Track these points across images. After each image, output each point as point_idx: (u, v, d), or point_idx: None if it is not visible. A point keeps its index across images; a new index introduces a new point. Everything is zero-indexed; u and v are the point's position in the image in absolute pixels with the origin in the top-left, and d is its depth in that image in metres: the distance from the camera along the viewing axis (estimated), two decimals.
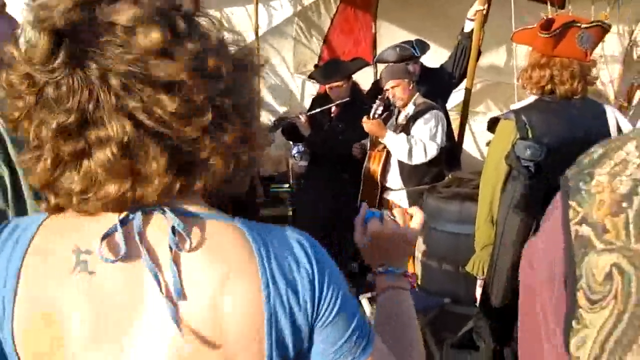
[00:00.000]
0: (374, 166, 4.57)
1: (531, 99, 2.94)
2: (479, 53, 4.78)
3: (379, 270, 1.33)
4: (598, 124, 2.82)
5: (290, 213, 6.53)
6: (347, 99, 4.84)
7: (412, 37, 5.69)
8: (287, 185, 7.24)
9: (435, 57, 5.51)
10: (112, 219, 0.96)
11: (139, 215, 0.96)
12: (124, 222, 0.95)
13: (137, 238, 0.94)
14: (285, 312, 0.97)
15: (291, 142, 6.65)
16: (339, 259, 4.96)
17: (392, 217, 1.36)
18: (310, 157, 5.38)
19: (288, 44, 7.13)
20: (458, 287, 4.02)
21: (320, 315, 1.00)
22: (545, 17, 2.87)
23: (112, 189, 0.92)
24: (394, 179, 4.49)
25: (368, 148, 4.64)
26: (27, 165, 0.96)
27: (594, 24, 2.77)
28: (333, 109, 4.96)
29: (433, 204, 4.12)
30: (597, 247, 0.93)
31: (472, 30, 4.72)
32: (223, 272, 0.95)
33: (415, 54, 4.82)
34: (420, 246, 4.23)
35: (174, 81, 0.90)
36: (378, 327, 1.26)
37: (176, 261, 0.95)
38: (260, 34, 6.51)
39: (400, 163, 4.38)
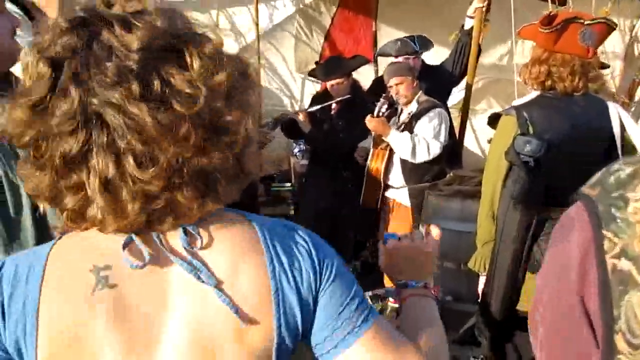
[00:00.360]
0: (377, 164, 4.57)
1: (533, 94, 2.94)
2: (480, 50, 4.77)
3: (399, 282, 1.38)
4: (601, 120, 2.82)
5: (292, 212, 6.53)
6: (348, 95, 4.84)
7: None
8: (288, 184, 7.25)
9: (435, 55, 5.50)
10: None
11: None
12: (137, 231, 1.00)
13: (158, 242, 1.01)
14: (290, 284, 1.05)
15: (292, 141, 6.65)
16: (342, 257, 5.00)
17: (409, 236, 1.43)
18: (311, 155, 5.38)
19: (289, 43, 7.14)
20: (460, 284, 4.03)
21: (322, 282, 1.08)
22: (548, 13, 2.86)
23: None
24: (396, 177, 4.49)
25: (371, 146, 4.63)
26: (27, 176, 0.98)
27: (598, 20, 2.76)
28: (333, 106, 4.95)
29: (434, 202, 4.12)
30: None
31: (472, 28, 4.71)
32: (234, 256, 1.03)
33: (416, 49, 4.81)
34: None
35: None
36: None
37: (196, 256, 1.02)
38: (261, 32, 6.52)
39: (403, 161, 4.38)
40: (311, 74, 5.38)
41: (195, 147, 0.94)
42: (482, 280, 3.08)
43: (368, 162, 4.62)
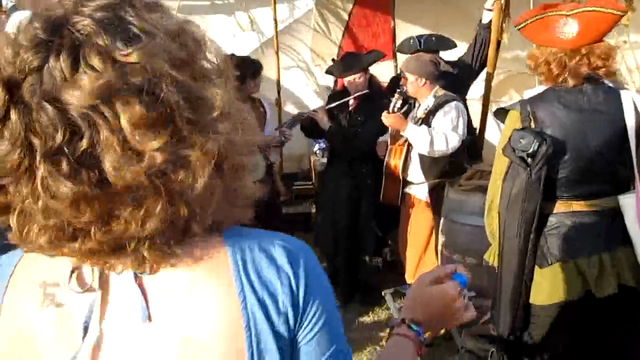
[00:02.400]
0: (395, 160, 4.55)
1: (542, 88, 2.92)
2: (499, 43, 4.72)
3: (411, 325, 1.27)
4: (610, 111, 2.77)
5: (314, 210, 6.54)
6: (365, 91, 4.84)
7: (430, 31, 5.69)
8: (310, 183, 7.26)
9: (457, 51, 5.46)
10: None
11: None
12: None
13: (101, 270, 0.92)
14: (265, 319, 0.91)
15: (312, 140, 6.66)
16: (362, 254, 5.00)
17: (464, 293, 1.31)
18: (330, 151, 5.39)
19: (307, 38, 7.15)
20: (482, 279, 3.99)
21: (304, 324, 0.95)
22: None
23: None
24: (415, 172, 4.47)
25: (389, 143, 4.61)
26: None
27: (580, 10, 2.71)
28: (351, 102, 4.96)
29: (455, 197, 4.09)
30: None
31: (491, 21, 4.67)
32: (195, 280, 0.91)
33: (418, 47, 4.81)
34: (441, 240, 4.20)
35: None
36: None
37: (141, 285, 0.91)
38: (280, 28, 6.53)
39: (421, 157, 4.36)
40: (328, 71, 5.39)
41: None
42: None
43: (386, 158, 4.61)
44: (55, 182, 0.78)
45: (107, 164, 0.79)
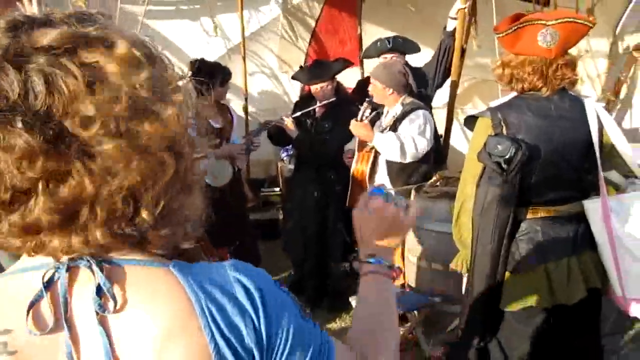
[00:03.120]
0: (362, 167, 4.58)
1: (510, 96, 2.97)
2: (463, 51, 4.79)
3: (368, 260, 1.33)
4: (577, 120, 2.83)
5: (281, 217, 6.53)
6: (332, 99, 4.86)
7: None
8: (277, 189, 7.25)
9: (421, 56, 5.51)
10: (37, 281, 0.87)
11: (63, 274, 0.88)
12: (49, 284, 0.87)
13: (61, 307, 0.87)
14: None
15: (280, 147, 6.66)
16: (329, 260, 5.01)
17: (395, 200, 1.36)
18: (297, 158, 5.39)
19: (274, 44, 7.15)
20: (448, 285, 4.04)
21: (274, 355, 0.96)
22: (512, 16, 2.89)
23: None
24: (382, 179, 4.49)
25: (356, 149, 4.64)
26: None
27: (562, 20, 2.77)
28: (317, 109, 4.98)
29: (421, 204, 4.13)
30: None
31: (455, 29, 4.73)
32: (162, 329, 0.87)
33: (388, 47, 4.84)
34: (409, 246, 4.24)
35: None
36: (355, 311, 1.31)
37: (104, 324, 0.87)
38: (247, 34, 6.52)
39: (389, 163, 4.39)
40: (294, 77, 5.40)
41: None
42: (465, 280, 3.10)
43: (353, 165, 4.63)
44: (9, 134, 0.77)
45: (67, 122, 0.79)
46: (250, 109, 6.65)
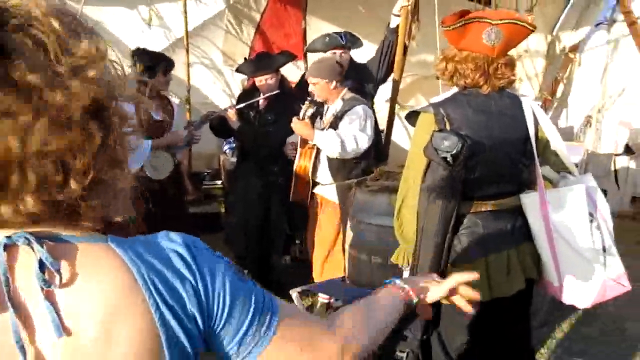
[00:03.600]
0: (305, 162, 4.58)
1: (451, 92, 3.01)
2: (406, 48, 4.84)
3: (404, 284, 1.45)
4: (515, 116, 2.91)
5: (223, 210, 6.49)
6: (276, 91, 4.86)
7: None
8: (219, 182, 7.19)
9: (365, 52, 5.56)
10: None
11: (1, 252, 0.86)
12: None
13: (2, 284, 0.85)
14: (181, 329, 0.93)
15: (222, 139, 6.60)
16: (272, 253, 5.01)
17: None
18: (240, 150, 5.37)
19: (219, 38, 7.08)
20: (388, 278, 4.07)
21: (215, 319, 0.98)
22: (458, 12, 2.94)
23: None
24: (324, 174, 4.51)
25: (298, 145, 4.64)
26: None
27: (506, 21, 2.84)
28: (261, 102, 4.97)
29: (361, 198, 4.15)
30: None
31: (398, 26, 4.78)
32: (108, 304, 0.87)
33: (343, 43, 4.85)
34: (349, 239, 4.26)
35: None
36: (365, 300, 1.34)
37: (50, 299, 0.86)
38: (191, 28, 6.44)
39: (329, 159, 4.41)
40: (239, 70, 5.37)
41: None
42: (405, 274, 3.13)
43: (296, 160, 4.63)
44: None
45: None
46: (193, 101, 6.58)
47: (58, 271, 0.86)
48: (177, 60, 6.36)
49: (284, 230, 5.07)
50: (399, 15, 4.79)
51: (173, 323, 0.92)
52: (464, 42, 2.89)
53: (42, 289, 0.85)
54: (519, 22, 2.88)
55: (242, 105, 4.95)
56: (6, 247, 0.86)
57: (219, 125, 5.11)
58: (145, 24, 6.72)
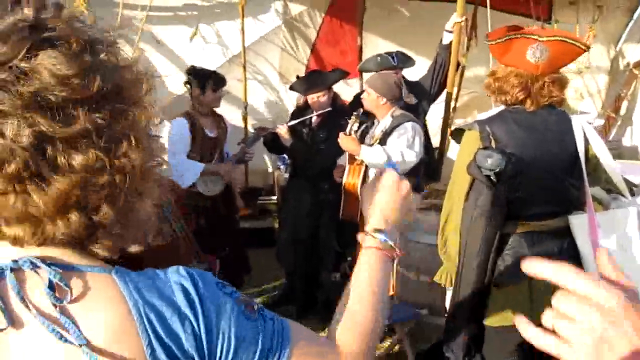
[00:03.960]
0: (354, 179, 4.57)
1: (498, 109, 2.96)
2: (459, 64, 4.79)
3: (375, 234, 1.27)
4: (564, 135, 2.84)
5: (277, 225, 6.53)
6: (328, 109, 4.88)
7: (398, 49, 5.74)
8: (274, 198, 7.25)
9: (420, 69, 5.52)
10: None
11: (10, 275, 0.88)
12: None
13: (20, 302, 0.87)
14: None
15: (277, 155, 6.67)
16: (321, 270, 5.01)
17: (404, 178, 1.35)
18: (292, 167, 5.41)
19: (275, 55, 7.17)
20: (435, 298, 4.03)
21: (217, 356, 0.96)
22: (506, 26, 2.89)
23: None
24: None
25: (346, 162, 4.64)
26: None
27: (554, 38, 2.77)
28: (314, 119, 5.00)
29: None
30: None
31: (451, 42, 4.73)
32: (106, 329, 0.88)
33: (394, 64, 4.83)
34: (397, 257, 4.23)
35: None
36: (354, 280, 1.24)
37: (65, 313, 0.87)
38: (247, 44, 6.55)
39: None
40: (292, 88, 5.42)
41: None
42: (449, 294, 3.09)
43: (344, 177, 4.62)
44: None
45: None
46: (249, 119, 6.67)
47: (68, 286, 0.88)
48: (233, 77, 6.48)
49: (333, 247, 5.06)
50: (451, 32, 4.75)
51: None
52: (507, 57, 2.84)
53: (55, 305, 0.86)
54: (568, 40, 2.80)
55: (294, 122, 4.99)
56: (12, 271, 0.88)
57: (271, 142, 5.17)
58: (204, 42, 6.87)
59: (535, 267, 0.80)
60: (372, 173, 4.46)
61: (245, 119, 6.58)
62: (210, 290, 0.97)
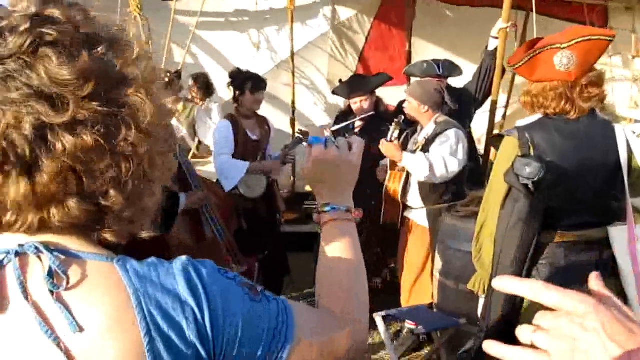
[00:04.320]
0: (395, 185, 4.55)
1: (537, 116, 2.90)
2: (504, 70, 4.71)
3: (323, 209, 1.31)
4: (606, 143, 2.76)
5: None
6: (371, 113, 4.87)
7: (447, 54, 5.70)
8: None
9: (470, 75, 5.46)
10: None
11: (14, 260, 0.90)
12: None
13: (19, 287, 0.88)
14: (173, 356, 0.91)
15: None
16: None
17: (335, 143, 1.32)
18: None
19: (323, 60, 7.21)
20: (473, 307, 3.95)
21: (225, 343, 0.96)
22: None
23: None
24: (414, 198, 4.46)
25: (388, 167, 4.61)
26: None
27: (576, 40, 2.70)
28: (357, 123, 4.99)
29: (450, 223, 4.07)
30: None
31: (497, 49, 4.66)
32: (101, 318, 0.88)
33: (439, 72, 4.79)
34: (437, 265, 4.19)
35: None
36: (319, 264, 1.27)
37: (60, 300, 0.88)
38: (295, 50, 6.60)
39: (420, 182, 4.35)
40: (335, 92, 5.43)
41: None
42: (481, 302, 3.04)
43: (386, 182, 4.60)
44: None
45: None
46: (297, 124, 6.72)
47: (65, 274, 0.88)
48: (281, 82, 6.53)
49: (374, 253, 5.03)
50: (497, 38, 4.68)
51: (163, 351, 0.90)
52: (537, 74, 2.79)
53: (52, 292, 0.87)
54: (590, 38, 2.73)
55: (336, 127, 4.99)
56: (17, 255, 0.90)
57: None
58: (254, 47, 6.96)
59: (504, 284, 0.81)
60: (413, 180, 4.43)
61: (292, 124, 6.62)
62: (213, 276, 0.98)
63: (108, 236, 0.97)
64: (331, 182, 1.32)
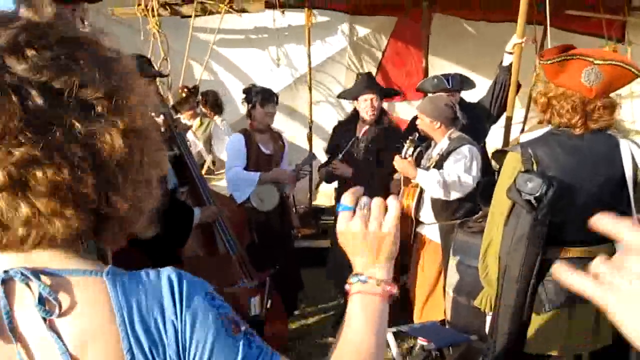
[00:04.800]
0: (408, 201, 4.53)
1: (542, 131, 2.89)
2: (519, 86, 4.69)
3: (350, 280, 1.19)
4: (610, 159, 2.75)
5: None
6: (372, 120, 4.93)
7: (464, 70, 5.69)
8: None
9: (486, 91, 5.45)
10: None
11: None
12: None
13: (5, 320, 0.88)
14: None
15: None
16: None
17: (363, 210, 1.20)
18: (338, 181, 5.34)
19: (341, 75, 7.24)
20: (486, 323, 3.93)
21: None
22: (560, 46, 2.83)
23: None
24: (427, 213, 4.44)
25: (401, 184, 4.60)
26: None
27: (610, 62, 2.68)
28: (361, 135, 5.00)
29: (462, 239, 4.06)
30: None
31: (511, 64, 4.65)
32: (83, 333, 0.90)
33: (449, 87, 4.79)
34: (449, 280, 4.16)
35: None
36: (338, 335, 1.17)
37: (53, 328, 0.89)
38: (313, 65, 6.65)
39: (433, 199, 4.34)
40: (340, 96, 5.44)
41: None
42: (489, 319, 3.02)
43: (399, 198, 4.59)
44: None
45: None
46: (315, 138, 6.75)
47: (57, 300, 0.89)
48: (299, 97, 6.56)
49: None
50: (512, 53, 4.66)
51: None
52: (561, 78, 2.77)
53: (45, 319, 0.88)
54: (623, 65, 2.71)
55: (344, 151, 4.97)
56: (4, 282, 0.90)
57: (331, 178, 5.21)
58: (274, 63, 7.03)
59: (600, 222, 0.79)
60: (426, 196, 4.41)
61: (310, 138, 6.65)
62: (195, 298, 0.98)
63: (107, 238, 0.99)
64: (361, 253, 1.19)
